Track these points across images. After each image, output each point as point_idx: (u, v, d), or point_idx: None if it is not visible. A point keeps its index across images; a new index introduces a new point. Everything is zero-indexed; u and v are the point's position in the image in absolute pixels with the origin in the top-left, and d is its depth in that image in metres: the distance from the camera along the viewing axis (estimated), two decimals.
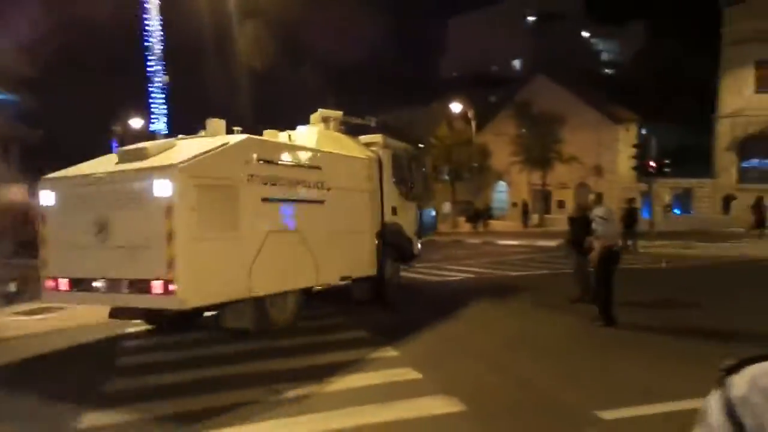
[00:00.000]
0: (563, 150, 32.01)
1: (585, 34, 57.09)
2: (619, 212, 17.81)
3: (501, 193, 42.73)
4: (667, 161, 19.99)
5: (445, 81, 56.92)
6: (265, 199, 7.43)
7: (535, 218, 34.17)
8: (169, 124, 11.83)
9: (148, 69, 11.03)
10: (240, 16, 31.16)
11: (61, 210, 7.30)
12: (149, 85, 11.38)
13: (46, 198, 7.40)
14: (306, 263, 8.12)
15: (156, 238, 6.32)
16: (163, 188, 6.33)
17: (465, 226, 38.45)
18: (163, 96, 11.06)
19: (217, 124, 8.28)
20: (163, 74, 11.10)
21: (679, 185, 29.44)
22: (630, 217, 19.08)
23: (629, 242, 17.98)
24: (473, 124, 36.78)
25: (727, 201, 26.94)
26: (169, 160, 6.65)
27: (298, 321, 8.21)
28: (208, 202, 6.58)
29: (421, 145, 44.13)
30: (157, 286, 6.33)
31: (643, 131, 34.92)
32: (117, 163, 7.22)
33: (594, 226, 7.82)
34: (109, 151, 9.70)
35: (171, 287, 6.24)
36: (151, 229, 6.38)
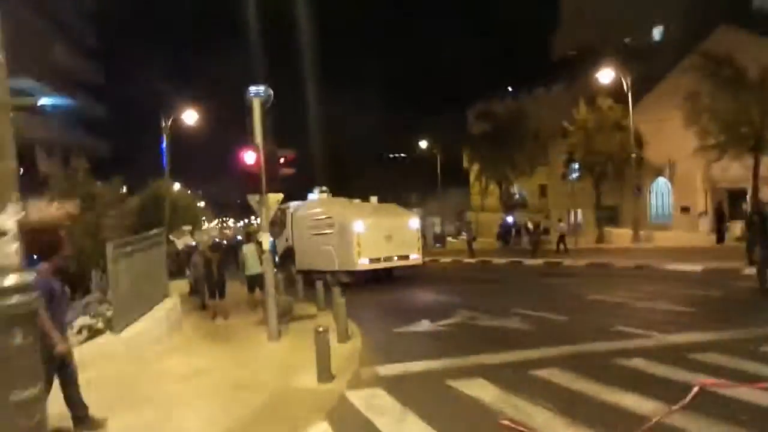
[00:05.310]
0: None
1: None
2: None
3: (657, 195, 32.20)
4: None
5: (563, 60, 46.87)
6: None
7: (735, 229, 23.50)
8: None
9: None
10: None
11: (368, 231, 17.87)
12: None
13: (360, 226, 17.88)
14: None
15: (414, 239, 19.18)
16: (416, 224, 19.70)
17: (619, 239, 28.41)
18: None
19: (394, 207, 21.37)
20: None
21: None
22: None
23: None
24: (629, 99, 26.76)
25: None
26: (412, 215, 20.43)
27: None
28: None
29: None
30: (412, 256, 18.96)
31: None
32: (376, 211, 19.89)
33: None
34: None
35: (416, 255, 19.15)
36: (413, 237, 19.18)
